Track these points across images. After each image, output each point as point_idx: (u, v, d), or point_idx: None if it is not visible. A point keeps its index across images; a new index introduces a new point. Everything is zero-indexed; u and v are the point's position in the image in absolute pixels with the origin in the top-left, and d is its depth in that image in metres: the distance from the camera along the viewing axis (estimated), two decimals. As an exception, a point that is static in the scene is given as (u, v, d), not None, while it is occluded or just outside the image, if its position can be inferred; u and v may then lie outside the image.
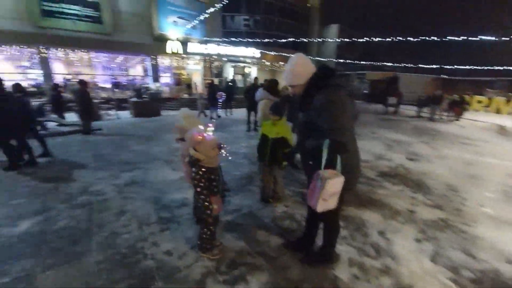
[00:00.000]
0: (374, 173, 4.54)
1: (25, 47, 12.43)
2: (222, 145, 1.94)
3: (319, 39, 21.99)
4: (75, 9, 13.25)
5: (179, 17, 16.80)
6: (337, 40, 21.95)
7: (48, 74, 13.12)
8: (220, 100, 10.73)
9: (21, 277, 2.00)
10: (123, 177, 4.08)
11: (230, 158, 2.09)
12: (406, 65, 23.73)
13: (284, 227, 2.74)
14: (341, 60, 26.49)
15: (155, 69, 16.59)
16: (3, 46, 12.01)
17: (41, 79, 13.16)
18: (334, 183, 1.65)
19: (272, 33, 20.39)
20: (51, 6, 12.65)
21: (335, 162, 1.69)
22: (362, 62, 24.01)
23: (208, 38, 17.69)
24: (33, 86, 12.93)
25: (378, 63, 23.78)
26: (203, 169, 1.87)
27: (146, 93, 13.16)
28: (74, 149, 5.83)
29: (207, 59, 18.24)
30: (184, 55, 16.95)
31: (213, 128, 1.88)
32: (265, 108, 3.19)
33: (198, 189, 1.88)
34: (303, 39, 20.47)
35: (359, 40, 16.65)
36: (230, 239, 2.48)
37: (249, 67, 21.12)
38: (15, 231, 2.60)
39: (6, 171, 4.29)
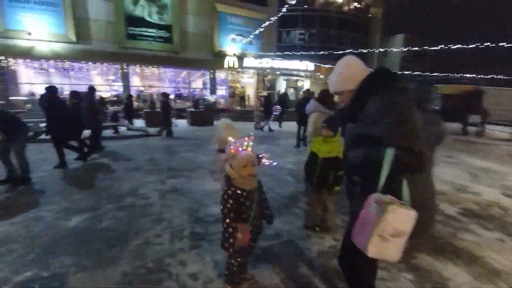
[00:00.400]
0: (455, 209, 3.52)
1: (111, 64, 14.93)
2: (260, 156, 1.64)
3: (381, 49, 20.19)
4: (152, 31, 15.39)
5: (237, 35, 17.83)
6: (403, 49, 19.64)
7: (126, 86, 15.39)
8: (275, 113, 10.71)
9: (57, 274, 2.02)
10: (168, 183, 4.15)
11: (274, 163, 1.71)
12: (495, 76, 19.63)
13: (331, 266, 2.21)
14: (407, 72, 23.70)
15: (213, 82, 17.80)
16: (97, 63, 14.68)
17: (121, 90, 15.51)
18: (400, 215, 1.09)
19: (327, 46, 19.72)
20: (134, 30, 15.00)
21: (400, 185, 1.16)
22: (433, 74, 20.91)
23: (263, 53, 18.17)
24: (115, 96, 15.31)
25: (455, 75, 20.33)
26: (232, 189, 1.59)
27: (202, 104, 14.10)
28: (134, 151, 6.40)
29: (260, 72, 18.69)
30: (240, 69, 17.74)
31: (251, 142, 1.59)
32: (317, 122, 2.77)
33: (223, 211, 1.59)
34: (362, 50, 19.16)
35: (431, 48, 14.51)
36: (264, 272, 2.09)
37: (302, 80, 20.77)
38: (67, 225, 2.78)
39: (76, 160, 5.06)
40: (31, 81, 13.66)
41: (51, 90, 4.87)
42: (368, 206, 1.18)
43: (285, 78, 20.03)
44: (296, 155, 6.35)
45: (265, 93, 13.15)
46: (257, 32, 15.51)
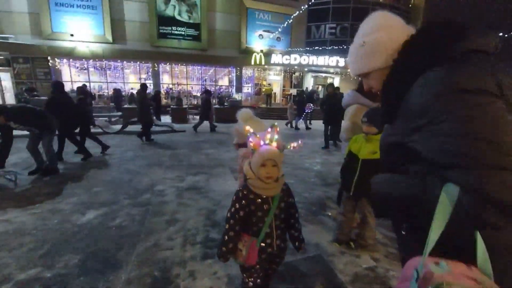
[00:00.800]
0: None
1: (143, 62, 15.55)
2: (294, 146, 1.25)
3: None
4: (181, 30, 15.71)
5: (264, 31, 17.46)
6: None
7: (156, 84, 15.93)
8: (308, 111, 10.23)
9: (59, 276, 1.86)
10: (187, 180, 3.95)
11: (301, 146, 1.22)
12: None
13: (372, 296, 1.74)
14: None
15: (239, 79, 17.68)
16: (131, 62, 15.39)
17: (151, 88, 16.11)
18: None
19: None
20: (165, 29, 15.43)
21: (470, 241, 0.60)
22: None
23: (291, 49, 17.58)
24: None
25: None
26: (245, 191, 1.23)
27: (227, 101, 14.03)
28: (158, 147, 6.39)
29: (287, 69, 18.13)
30: (266, 66, 17.37)
31: (276, 136, 1.22)
32: (355, 116, 2.30)
33: (228, 213, 1.25)
34: None
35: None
36: (287, 296, 1.71)
37: (332, 77, 19.71)
38: (81, 220, 2.67)
39: (84, 160, 4.97)
40: (73, 80, 14.77)
41: (58, 85, 4.83)
42: (405, 279, 0.65)
43: (314, 75, 19.18)
44: (324, 156, 5.81)
45: (296, 91, 12.72)
46: (284, 25, 14.98)
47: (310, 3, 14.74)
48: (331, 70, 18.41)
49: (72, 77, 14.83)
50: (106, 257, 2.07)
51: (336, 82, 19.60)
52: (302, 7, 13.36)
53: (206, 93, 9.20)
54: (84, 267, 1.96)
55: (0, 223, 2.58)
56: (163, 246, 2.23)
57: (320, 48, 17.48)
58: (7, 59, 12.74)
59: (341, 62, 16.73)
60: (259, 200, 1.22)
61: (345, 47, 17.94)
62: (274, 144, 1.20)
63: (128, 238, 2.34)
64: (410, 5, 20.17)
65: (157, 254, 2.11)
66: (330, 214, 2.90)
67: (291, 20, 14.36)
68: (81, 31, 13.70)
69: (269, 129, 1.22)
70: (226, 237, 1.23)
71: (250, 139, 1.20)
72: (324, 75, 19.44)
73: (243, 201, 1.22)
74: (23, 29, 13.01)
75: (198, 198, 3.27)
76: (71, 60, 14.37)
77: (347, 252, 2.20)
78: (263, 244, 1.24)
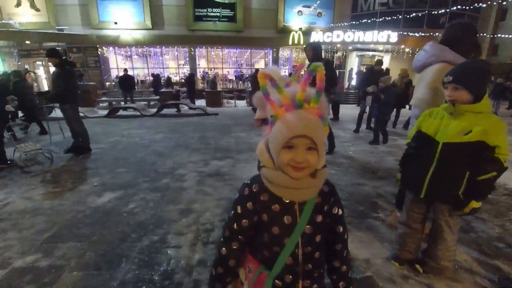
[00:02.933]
0: None
1: (181, 47, 15.69)
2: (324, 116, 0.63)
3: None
4: (216, 11, 15.29)
5: (304, 6, 15.99)
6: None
7: (193, 68, 16.04)
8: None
9: (54, 267, 1.63)
10: (211, 165, 3.59)
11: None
12: None
13: None
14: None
15: (276, 62, 16.76)
16: (169, 47, 15.69)
17: (188, 72, 16.31)
18: None
19: (419, 9, 15.58)
20: (200, 12, 15.20)
21: None
22: None
23: (333, 25, 15.84)
24: (182, 78, 16.23)
25: None
26: (254, 189, 0.70)
27: (262, 85, 13.42)
28: (189, 129, 6.22)
29: (329, 48, 16.50)
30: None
31: (315, 92, 0.60)
32: (438, 78, 1.53)
33: (225, 224, 0.77)
34: (481, 4, 14.42)
35: None
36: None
37: (381, 56, 17.36)
38: (95, 202, 2.49)
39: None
40: (119, 67, 15.73)
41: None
42: None
43: (359, 53, 17.11)
44: (357, 142, 4.91)
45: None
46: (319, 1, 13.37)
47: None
48: (380, 47, 16.17)
49: (118, 64, 15.79)
50: (107, 250, 1.79)
51: (386, 61, 17.27)
52: None
53: (254, 76, 8.96)
54: (82, 259, 1.71)
55: (23, 200, 2.55)
56: (170, 242, 1.87)
57: (369, 21, 15.35)
58: (64, 49, 14.02)
59: (393, 37, 14.46)
60: (277, 206, 0.68)
61: (400, 17, 15.51)
62: (314, 106, 0.62)
63: (136, 227, 2.05)
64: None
65: (162, 252, 1.77)
66: (382, 217, 2.21)
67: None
68: (124, 19, 14.29)
69: (306, 75, 0.62)
70: (219, 263, 0.74)
71: (269, 97, 0.64)
72: (371, 53, 17.22)
73: (249, 204, 0.70)
74: (75, 20, 14.09)
75: (219, 185, 2.88)
76: (116, 48, 15.23)
77: (411, 277, 1.55)
78: (278, 283, 0.71)
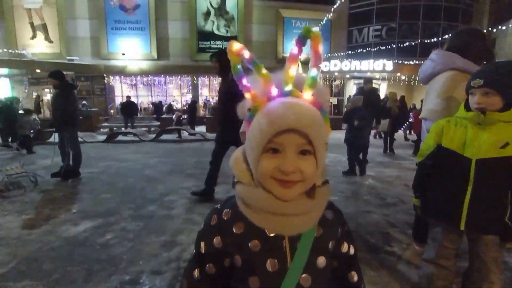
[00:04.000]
0: None
1: (184, 76, 16.27)
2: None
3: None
4: (219, 44, 16.14)
5: (302, 39, 16.89)
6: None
7: (195, 96, 16.44)
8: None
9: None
10: (204, 190, 3.33)
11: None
12: None
13: None
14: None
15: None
16: (173, 76, 16.28)
17: (190, 99, 16.70)
18: None
19: (411, 40, 16.35)
20: (204, 44, 16.05)
21: None
22: None
23: (330, 55, 16.55)
24: (185, 105, 16.55)
25: None
26: (225, 217, 0.48)
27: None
28: (186, 154, 6.05)
29: (327, 77, 17.04)
30: (304, 75, 16.62)
31: (313, 73, 0.45)
32: (452, 88, 1.37)
33: (187, 265, 0.53)
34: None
35: None
36: None
37: (378, 83, 17.84)
38: (68, 232, 2.21)
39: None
40: (123, 94, 16.18)
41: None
42: None
43: (356, 82, 17.62)
44: (375, 168, 4.66)
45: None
46: (322, 22, 14.16)
47: (350, 7, 13.81)
48: (377, 75, 16.69)
49: (123, 92, 16.26)
50: (67, 292, 1.49)
51: (383, 88, 17.71)
52: (338, 2, 12.45)
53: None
54: (33, 304, 1.40)
55: (-11, 229, 2.27)
56: (144, 283, 1.56)
57: (364, 51, 16.04)
58: (72, 78, 14.56)
59: (389, 65, 15.00)
60: (257, 242, 0.46)
61: (394, 46, 16.21)
62: (308, 93, 0.45)
63: (107, 264, 1.74)
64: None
65: (132, 296, 1.45)
66: (397, 251, 1.89)
67: (327, 19, 13.50)
68: (131, 50, 15.05)
69: (296, 43, 0.45)
70: None
71: (243, 81, 0.46)
72: (369, 81, 17.73)
73: (217, 239, 0.49)
74: (85, 51, 14.85)
75: (211, 213, 2.59)
76: (122, 76, 15.81)
77: (443, 330, 1.21)
78: None
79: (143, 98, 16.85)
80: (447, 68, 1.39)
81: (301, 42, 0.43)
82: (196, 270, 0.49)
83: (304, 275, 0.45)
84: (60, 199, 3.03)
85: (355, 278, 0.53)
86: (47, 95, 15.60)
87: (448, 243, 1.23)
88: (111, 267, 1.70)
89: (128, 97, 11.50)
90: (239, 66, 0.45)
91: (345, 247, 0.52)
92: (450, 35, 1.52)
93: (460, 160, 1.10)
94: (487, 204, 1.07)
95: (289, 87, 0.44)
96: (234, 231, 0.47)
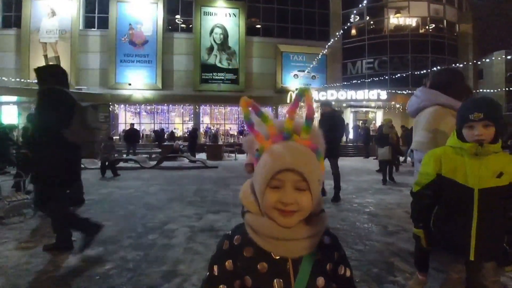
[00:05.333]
0: None
1: (187, 105, 16.86)
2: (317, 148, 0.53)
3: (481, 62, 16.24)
4: (221, 75, 17.05)
5: (299, 71, 17.86)
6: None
7: (197, 124, 16.86)
8: None
9: None
10: (205, 219, 3.32)
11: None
12: None
13: None
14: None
15: (275, 118, 17.73)
16: (176, 105, 16.86)
17: (191, 127, 17.08)
18: None
19: (404, 72, 17.29)
20: (207, 75, 16.94)
21: None
22: None
23: (326, 85, 17.36)
24: (186, 132, 16.89)
25: None
26: (235, 242, 0.55)
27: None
28: (187, 181, 6.06)
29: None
30: (302, 104, 17.21)
31: (305, 122, 0.52)
32: (439, 122, 1.50)
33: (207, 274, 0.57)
34: (458, 64, 15.96)
35: None
36: None
37: (373, 111, 18.43)
38: (67, 261, 2.17)
39: None
40: (127, 122, 16.61)
41: None
42: None
43: (353, 110, 18.22)
44: (376, 195, 4.66)
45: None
46: (319, 57, 15.10)
47: (340, 33, 14.88)
48: (372, 104, 17.33)
49: (126, 120, 16.71)
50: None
51: (379, 116, 18.25)
52: (332, 40, 13.40)
53: None
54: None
55: (-12, 257, 2.24)
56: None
57: (359, 82, 16.85)
58: (78, 106, 15.11)
59: (383, 94, 15.65)
60: (265, 265, 0.52)
61: (387, 77, 17.04)
62: (305, 137, 0.53)
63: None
64: (456, 34, 18.81)
65: (132, 328, 1.41)
66: (400, 281, 1.87)
67: (322, 54, 14.44)
68: (137, 81, 15.83)
69: (294, 100, 0.55)
70: None
71: (253, 127, 0.55)
72: (364, 109, 18.34)
73: (228, 263, 0.54)
74: (94, 81, 15.63)
75: (212, 243, 2.57)
76: (127, 105, 16.38)
77: None
78: None
79: (146, 126, 17.24)
80: (432, 104, 1.54)
81: (298, 99, 0.54)
82: (213, 281, 0.55)
83: None
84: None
85: None
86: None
87: (455, 273, 1.23)
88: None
89: (132, 124, 11.78)
90: (250, 116, 0.54)
91: (341, 269, 0.58)
92: (433, 71, 1.71)
93: (463, 190, 1.14)
94: (491, 232, 1.11)
95: (289, 133, 0.53)
96: (245, 255, 0.53)
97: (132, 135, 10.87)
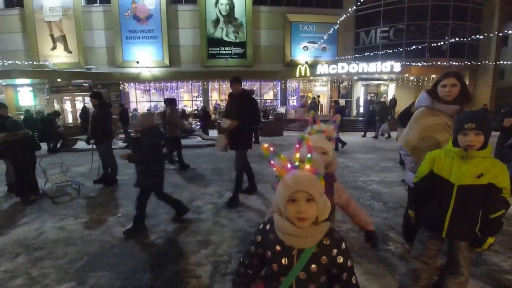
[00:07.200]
0: None
1: (195, 81, 16.85)
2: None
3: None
4: (228, 49, 16.63)
5: (309, 42, 17.16)
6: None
7: (206, 101, 17.00)
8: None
9: (88, 296, 1.79)
10: (226, 196, 3.76)
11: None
12: None
13: None
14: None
15: (284, 93, 17.57)
16: (184, 82, 16.89)
17: (201, 104, 17.27)
18: None
19: (421, 41, 16.33)
20: (214, 50, 16.57)
21: None
22: None
23: (338, 58, 16.76)
24: (196, 109, 17.15)
25: None
26: (267, 227, 0.91)
27: (272, 114, 13.97)
28: (203, 160, 6.51)
29: (335, 79, 17.25)
30: (312, 78, 16.89)
31: (309, 154, 0.82)
32: (424, 122, 1.77)
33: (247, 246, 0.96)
34: (478, 36, 14.91)
35: None
36: None
37: (386, 85, 17.91)
38: (121, 233, 2.68)
39: None
40: (137, 100, 16.92)
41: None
42: None
43: (364, 83, 17.74)
44: (381, 173, 4.98)
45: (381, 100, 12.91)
46: (330, 31, 14.43)
47: (358, 3, 13.95)
48: (385, 76, 16.77)
49: (137, 98, 17.02)
50: (134, 279, 1.95)
51: (392, 89, 17.74)
52: (350, 9, 12.68)
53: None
54: (112, 287, 1.87)
55: (55, 229, 2.79)
56: (191, 272, 2.01)
57: (371, 54, 16.14)
58: (90, 85, 15.40)
59: (397, 66, 15.05)
60: (278, 247, 0.84)
61: (401, 49, 16.22)
62: (308, 167, 0.81)
63: (158, 258, 2.21)
64: (483, -2, 17.14)
65: (184, 282, 1.90)
66: (392, 249, 2.28)
67: (337, 26, 13.76)
68: (144, 58, 15.75)
69: (297, 143, 0.84)
70: (237, 278, 0.96)
71: (272, 162, 0.84)
72: (376, 82, 17.82)
73: (260, 238, 0.90)
74: (102, 60, 15.67)
75: (234, 217, 3.03)
76: (136, 83, 16.55)
77: (424, 310, 1.60)
78: None
79: (157, 103, 17.53)
80: (419, 105, 1.80)
81: (300, 142, 0.83)
82: (250, 250, 0.91)
83: (301, 272, 0.83)
84: (103, 204, 3.54)
85: (345, 277, 0.84)
86: (67, 102, 16.53)
87: (432, 246, 1.61)
88: (164, 260, 2.16)
89: (122, 105, 11.83)
90: (269, 155, 0.84)
91: (340, 259, 0.83)
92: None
93: (445, 184, 1.46)
94: (463, 218, 1.44)
95: (296, 164, 0.82)
96: (270, 237, 0.87)
97: (123, 116, 10.87)
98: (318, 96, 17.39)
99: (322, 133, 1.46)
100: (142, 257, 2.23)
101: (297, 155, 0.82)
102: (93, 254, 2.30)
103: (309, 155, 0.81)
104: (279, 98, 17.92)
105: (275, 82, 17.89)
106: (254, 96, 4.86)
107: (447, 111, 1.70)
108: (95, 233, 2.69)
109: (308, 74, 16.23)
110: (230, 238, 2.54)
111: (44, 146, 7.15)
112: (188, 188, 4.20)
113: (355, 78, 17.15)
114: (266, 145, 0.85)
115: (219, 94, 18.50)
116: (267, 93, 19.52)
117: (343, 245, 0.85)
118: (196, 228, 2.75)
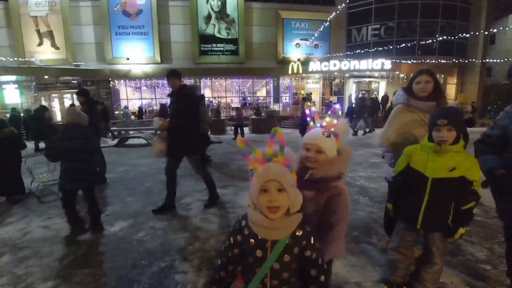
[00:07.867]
0: None
1: (187, 78, 16.68)
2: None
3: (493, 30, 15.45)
4: (220, 46, 16.51)
5: (301, 39, 17.20)
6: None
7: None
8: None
9: (73, 293, 1.79)
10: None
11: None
12: None
13: None
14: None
15: (277, 90, 17.61)
16: (176, 79, 16.72)
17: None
18: None
19: (411, 39, 16.60)
20: (205, 47, 16.42)
21: None
22: None
23: (330, 55, 16.87)
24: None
25: None
26: (243, 223, 0.93)
27: (264, 111, 14.00)
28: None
29: (327, 76, 17.37)
30: (304, 75, 16.96)
31: (282, 149, 0.86)
32: (401, 119, 1.83)
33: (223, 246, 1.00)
34: (466, 34, 15.23)
35: None
36: None
37: (377, 82, 18.15)
38: (108, 231, 2.69)
39: None
40: (128, 98, 16.66)
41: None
42: None
43: (356, 80, 17.94)
44: (368, 169, 5.09)
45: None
46: (320, 29, 14.50)
47: (347, 1, 14.04)
48: (376, 74, 16.99)
49: (128, 95, 16.75)
50: (120, 275, 1.96)
51: (382, 86, 18.00)
52: (339, 7, 12.77)
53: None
54: (97, 284, 1.88)
55: (41, 228, 2.77)
56: (177, 268, 2.04)
57: (362, 51, 16.32)
58: (79, 82, 15.06)
59: (387, 64, 15.27)
60: (253, 241, 0.88)
61: (391, 47, 16.45)
62: (280, 159, 0.85)
63: (146, 255, 2.22)
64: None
65: (170, 277, 1.93)
66: (374, 241, 2.36)
67: (328, 23, 13.83)
68: (135, 54, 15.49)
69: (270, 136, 0.87)
70: (217, 276, 0.97)
71: (247, 155, 0.87)
72: (368, 79, 18.04)
73: (238, 236, 0.93)
74: (91, 56, 15.32)
75: (223, 214, 3.07)
76: (127, 80, 16.28)
77: (400, 299, 1.68)
78: None
79: (148, 101, 17.29)
80: (396, 102, 1.87)
81: (272, 136, 0.87)
82: (228, 251, 0.95)
83: (275, 263, 0.86)
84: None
85: (314, 273, 0.89)
86: (55, 100, 16.14)
87: (408, 237, 1.68)
88: (151, 256, 2.18)
89: (102, 103, 11.47)
90: (244, 148, 0.86)
91: (308, 253, 0.87)
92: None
93: (420, 178, 1.52)
94: (436, 210, 1.51)
95: (270, 157, 0.87)
96: (245, 232, 0.90)
97: (104, 113, 10.60)
98: (310, 93, 17.49)
99: (321, 127, 1.24)
100: (128, 254, 2.25)
101: (269, 148, 0.85)
102: (79, 252, 2.29)
103: (281, 149, 0.85)
104: (272, 95, 17.96)
105: (268, 79, 17.89)
106: (201, 94, 4.59)
107: (422, 108, 1.77)
108: (81, 232, 2.68)
109: (301, 71, 16.30)
110: (218, 234, 2.57)
111: (30, 145, 7.02)
112: (179, 185, 4.19)
113: (347, 75, 17.31)
114: (241, 138, 0.88)
115: (211, 91, 18.40)
116: (260, 90, 19.52)
117: (312, 239, 0.88)
118: (184, 225, 2.78)
